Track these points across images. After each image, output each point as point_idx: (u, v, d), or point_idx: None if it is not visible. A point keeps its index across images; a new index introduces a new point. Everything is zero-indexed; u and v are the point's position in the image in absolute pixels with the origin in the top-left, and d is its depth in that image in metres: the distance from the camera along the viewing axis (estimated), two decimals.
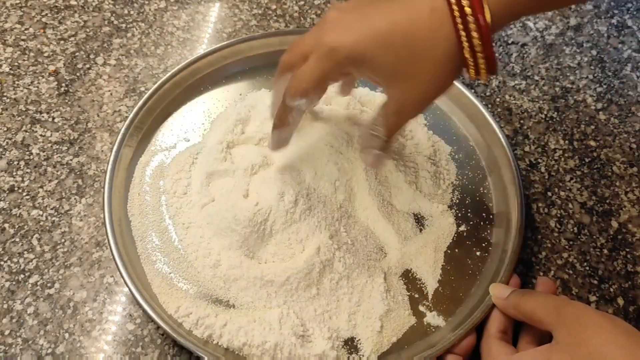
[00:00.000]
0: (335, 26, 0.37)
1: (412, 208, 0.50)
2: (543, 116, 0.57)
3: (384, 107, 0.40)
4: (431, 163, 0.52)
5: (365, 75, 0.39)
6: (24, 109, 0.55)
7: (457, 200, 0.51)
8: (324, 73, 0.38)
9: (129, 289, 0.43)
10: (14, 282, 0.46)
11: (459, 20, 0.34)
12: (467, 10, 0.33)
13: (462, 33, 0.34)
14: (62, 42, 0.60)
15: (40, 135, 0.54)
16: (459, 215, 0.50)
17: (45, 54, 0.59)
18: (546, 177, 0.54)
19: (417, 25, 0.35)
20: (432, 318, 0.45)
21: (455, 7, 0.34)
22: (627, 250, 0.50)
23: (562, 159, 0.55)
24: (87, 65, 0.59)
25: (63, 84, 0.57)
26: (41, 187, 0.51)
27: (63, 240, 0.48)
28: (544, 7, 0.38)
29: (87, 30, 0.62)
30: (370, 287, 0.45)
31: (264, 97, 0.55)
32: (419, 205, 0.50)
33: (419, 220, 0.50)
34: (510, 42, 0.63)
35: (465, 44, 0.34)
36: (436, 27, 0.35)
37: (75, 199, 0.50)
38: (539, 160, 0.55)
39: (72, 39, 0.61)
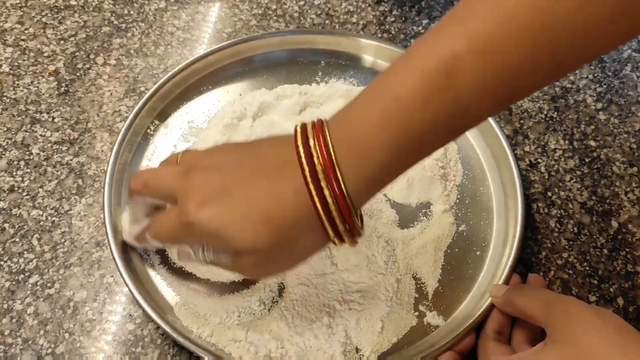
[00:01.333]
0: (196, 195, 0.35)
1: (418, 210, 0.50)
2: (543, 116, 0.57)
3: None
4: (439, 167, 0.51)
5: (220, 246, 0.36)
6: (24, 109, 0.55)
7: (457, 200, 0.51)
8: (180, 239, 0.38)
9: (129, 289, 0.43)
10: (14, 282, 0.46)
11: (314, 193, 0.32)
12: (323, 183, 0.32)
13: (319, 207, 0.32)
14: (62, 42, 0.60)
15: (40, 135, 0.54)
16: (459, 215, 0.50)
17: (45, 54, 0.59)
18: (546, 177, 0.54)
19: (278, 207, 0.33)
20: (432, 318, 0.45)
21: (311, 184, 0.32)
22: (627, 250, 0.50)
23: (562, 159, 0.55)
24: (87, 65, 0.59)
25: (63, 84, 0.57)
26: (41, 187, 0.51)
27: (63, 240, 0.48)
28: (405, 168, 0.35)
29: (87, 30, 0.62)
30: (377, 288, 0.45)
31: (263, 95, 0.55)
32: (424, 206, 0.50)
33: (422, 221, 0.50)
34: None
35: (331, 233, 0.33)
36: (297, 208, 0.33)
37: (75, 199, 0.50)
38: (539, 160, 0.55)
39: (72, 39, 0.61)
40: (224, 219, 0.34)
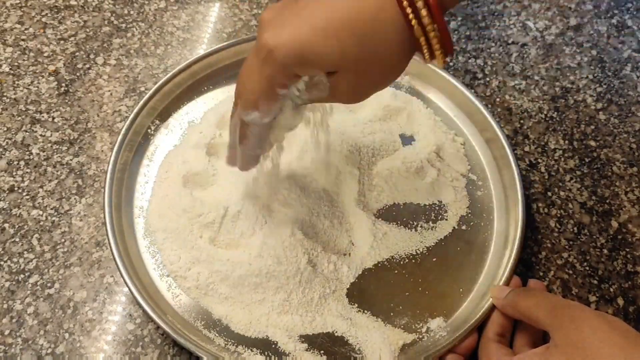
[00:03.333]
0: (270, 26, 0.33)
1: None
2: (543, 116, 0.57)
3: (321, 98, 0.36)
4: (461, 174, 0.52)
5: (310, 72, 0.35)
6: (24, 109, 0.55)
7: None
8: (267, 79, 0.34)
9: (129, 289, 0.43)
10: (14, 282, 0.46)
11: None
12: None
13: (409, 11, 0.31)
14: (62, 42, 0.60)
15: (40, 135, 0.54)
16: (460, 215, 0.50)
17: (45, 54, 0.59)
18: (546, 177, 0.54)
19: (360, 11, 0.32)
20: (432, 318, 0.45)
21: None
22: (627, 250, 0.50)
23: (562, 159, 0.55)
24: (87, 65, 0.59)
25: (63, 84, 0.57)
26: (41, 187, 0.51)
27: (63, 240, 0.48)
28: None
29: (87, 30, 0.62)
30: None
31: None
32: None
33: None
34: (510, 42, 0.63)
35: (414, 22, 0.32)
36: (381, 11, 0.32)
37: (75, 199, 0.50)
38: (539, 160, 0.55)
39: (72, 39, 0.61)
40: (304, 35, 0.32)
